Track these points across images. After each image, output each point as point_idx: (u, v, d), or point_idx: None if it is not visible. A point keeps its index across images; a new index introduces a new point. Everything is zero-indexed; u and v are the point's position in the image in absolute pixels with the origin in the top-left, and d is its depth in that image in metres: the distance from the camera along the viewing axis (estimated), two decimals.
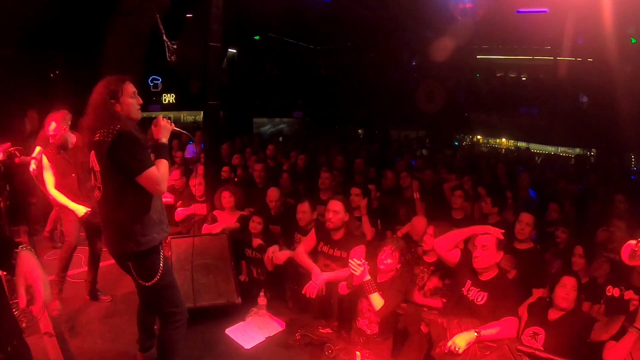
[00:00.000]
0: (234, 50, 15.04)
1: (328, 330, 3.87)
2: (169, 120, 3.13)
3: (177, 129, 3.25)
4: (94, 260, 4.77)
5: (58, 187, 4.48)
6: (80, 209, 4.43)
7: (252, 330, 3.85)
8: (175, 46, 5.01)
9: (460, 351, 3.11)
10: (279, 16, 12.06)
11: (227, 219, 5.36)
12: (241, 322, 3.89)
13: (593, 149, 14.98)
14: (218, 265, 4.50)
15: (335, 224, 4.28)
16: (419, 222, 5.05)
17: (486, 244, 3.54)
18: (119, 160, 2.78)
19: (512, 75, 17.45)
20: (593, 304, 4.14)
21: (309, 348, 3.70)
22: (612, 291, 3.91)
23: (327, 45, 16.66)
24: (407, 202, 6.38)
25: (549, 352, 3.33)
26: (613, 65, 9.85)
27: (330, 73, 17.65)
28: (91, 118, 2.91)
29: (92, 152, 2.95)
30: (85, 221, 4.51)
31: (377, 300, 3.60)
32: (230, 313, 4.11)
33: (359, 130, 18.73)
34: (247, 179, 7.26)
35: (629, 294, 3.68)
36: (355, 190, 5.45)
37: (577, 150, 15.93)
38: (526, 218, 4.70)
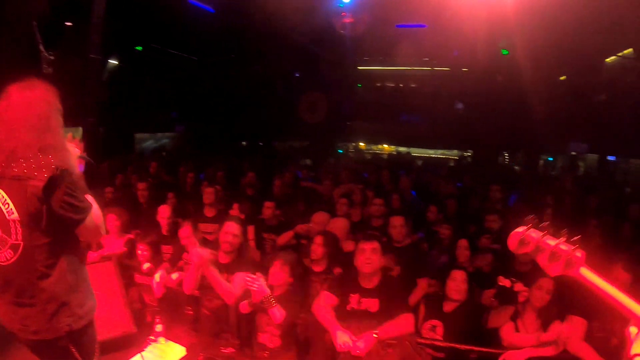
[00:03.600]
0: (115, 62, 14.26)
1: (230, 349, 3.77)
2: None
3: (83, 154, 2.57)
4: None
5: None
6: None
7: None
8: (52, 57, 4.57)
9: (363, 354, 3.22)
10: (162, 26, 11.67)
11: (113, 244, 5.04)
12: (140, 353, 3.66)
13: (470, 151, 16.32)
14: (108, 295, 4.19)
15: (234, 247, 4.14)
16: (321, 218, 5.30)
17: (376, 247, 3.68)
18: (61, 208, 2.04)
19: (392, 85, 18.50)
20: (483, 290, 4.54)
21: None
22: (504, 282, 4.32)
23: (211, 57, 16.42)
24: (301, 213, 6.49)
25: (448, 342, 3.65)
26: (486, 74, 10.91)
27: (213, 85, 17.42)
28: (12, 138, 2.04)
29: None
30: None
31: (277, 314, 3.61)
32: (127, 344, 3.84)
33: (243, 143, 18.65)
34: (131, 200, 6.90)
35: (518, 286, 4.09)
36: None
37: (455, 152, 17.33)
38: (397, 221, 5.05)
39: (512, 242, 1.72)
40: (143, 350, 3.66)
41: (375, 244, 3.70)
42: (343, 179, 8.43)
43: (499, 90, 10.96)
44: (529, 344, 3.50)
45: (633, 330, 1.71)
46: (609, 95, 14.09)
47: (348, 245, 4.94)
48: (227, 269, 4.11)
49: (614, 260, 3.81)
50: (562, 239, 1.68)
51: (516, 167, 15.75)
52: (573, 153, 16.03)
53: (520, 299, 3.90)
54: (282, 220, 6.14)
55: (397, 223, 5.03)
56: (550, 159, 17.45)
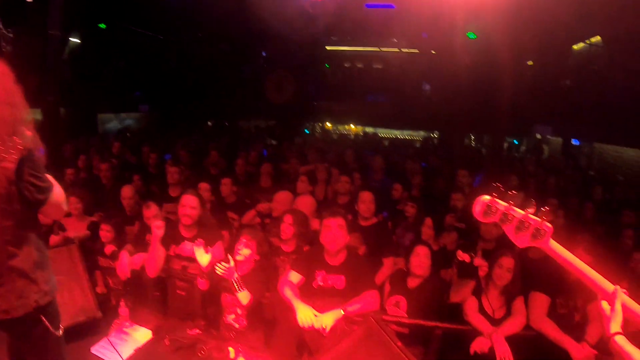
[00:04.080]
0: (77, 40, 13.76)
1: (196, 330, 3.76)
2: None
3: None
4: None
5: None
6: None
7: (119, 344, 3.60)
8: (11, 35, 4.36)
9: (328, 329, 3.22)
10: (127, 3, 11.32)
11: (75, 227, 4.94)
12: (106, 337, 3.61)
13: (436, 132, 16.47)
14: (71, 279, 4.10)
15: (193, 220, 4.14)
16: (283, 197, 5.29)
17: (341, 223, 3.67)
18: (26, 189, 2.06)
19: (359, 66, 18.44)
20: (446, 269, 4.61)
21: (181, 352, 3.56)
22: (463, 257, 4.39)
23: (176, 35, 16.01)
24: (265, 191, 6.45)
25: (412, 317, 3.70)
26: (453, 57, 11.00)
27: (179, 64, 17.02)
28: None
29: None
30: None
31: (244, 297, 3.61)
32: (92, 330, 3.76)
33: (208, 123, 18.40)
34: (93, 181, 6.75)
35: (478, 261, 4.16)
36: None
37: (422, 133, 17.46)
38: (367, 196, 5.00)
39: (478, 211, 1.65)
40: (109, 335, 3.60)
41: (341, 220, 3.68)
42: (310, 159, 8.41)
43: (466, 73, 11.07)
44: (487, 330, 3.56)
45: (606, 306, 1.67)
46: (575, 80, 14.40)
47: (314, 224, 4.91)
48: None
49: (576, 240, 3.90)
50: (531, 210, 1.64)
51: (482, 149, 15.97)
52: (538, 136, 16.35)
53: (481, 273, 3.98)
54: (246, 201, 6.14)
55: (367, 198, 4.97)
56: (516, 141, 17.77)
